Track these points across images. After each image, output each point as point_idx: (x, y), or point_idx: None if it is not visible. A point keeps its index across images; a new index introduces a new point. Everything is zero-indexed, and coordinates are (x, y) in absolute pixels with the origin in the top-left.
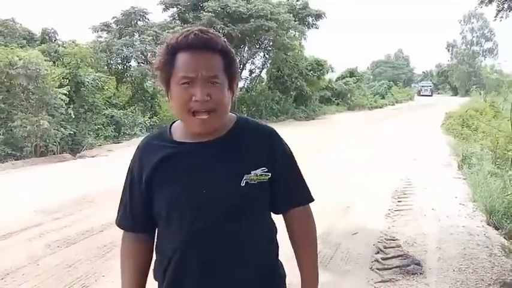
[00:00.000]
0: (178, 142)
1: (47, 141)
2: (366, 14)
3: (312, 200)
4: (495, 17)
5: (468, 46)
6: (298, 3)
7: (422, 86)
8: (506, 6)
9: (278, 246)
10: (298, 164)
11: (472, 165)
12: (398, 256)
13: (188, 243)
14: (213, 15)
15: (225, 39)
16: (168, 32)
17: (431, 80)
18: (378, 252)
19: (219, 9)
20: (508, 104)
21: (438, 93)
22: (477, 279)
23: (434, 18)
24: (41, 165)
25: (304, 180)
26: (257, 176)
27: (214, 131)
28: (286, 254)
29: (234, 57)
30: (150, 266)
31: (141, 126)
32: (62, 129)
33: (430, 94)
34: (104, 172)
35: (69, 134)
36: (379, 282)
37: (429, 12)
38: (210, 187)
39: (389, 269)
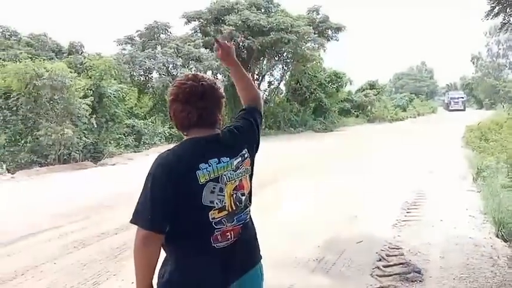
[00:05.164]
0: None
1: (70, 149)
2: (388, 27)
3: (131, 221)
4: (499, 29)
5: (494, 59)
6: (319, 16)
7: (451, 99)
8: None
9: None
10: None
11: (486, 178)
12: (400, 264)
13: None
14: (234, 28)
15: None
16: (189, 45)
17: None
18: (380, 260)
19: (240, 22)
20: None
21: None
22: None
23: (458, 31)
24: (64, 172)
25: (139, 201)
26: None
27: None
28: None
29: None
30: None
31: (161, 136)
32: (85, 138)
33: (462, 108)
34: (124, 179)
35: (91, 142)
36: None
37: (452, 24)
38: None
39: (389, 276)
